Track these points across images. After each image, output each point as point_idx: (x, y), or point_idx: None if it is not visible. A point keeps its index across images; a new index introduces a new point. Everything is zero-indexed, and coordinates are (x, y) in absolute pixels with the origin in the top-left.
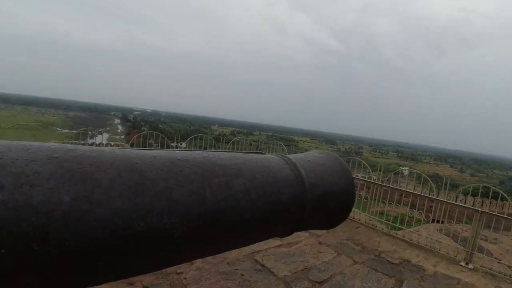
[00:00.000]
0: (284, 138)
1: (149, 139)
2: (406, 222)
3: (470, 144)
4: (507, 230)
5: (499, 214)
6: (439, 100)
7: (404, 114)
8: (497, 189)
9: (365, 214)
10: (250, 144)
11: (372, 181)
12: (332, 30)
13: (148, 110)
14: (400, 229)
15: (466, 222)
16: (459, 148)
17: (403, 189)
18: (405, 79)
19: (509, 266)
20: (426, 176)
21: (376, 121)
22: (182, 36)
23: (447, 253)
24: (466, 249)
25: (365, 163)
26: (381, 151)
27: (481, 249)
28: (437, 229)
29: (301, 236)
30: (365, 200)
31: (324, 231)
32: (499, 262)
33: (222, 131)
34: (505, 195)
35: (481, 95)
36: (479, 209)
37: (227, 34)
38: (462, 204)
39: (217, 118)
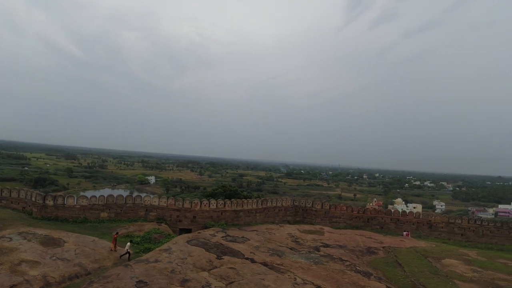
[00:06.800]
0: (13, 156)
1: None
2: (154, 239)
3: (206, 149)
4: (249, 225)
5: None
6: (180, 112)
7: (149, 125)
8: (233, 188)
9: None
10: None
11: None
12: (75, 35)
13: None
14: (148, 249)
15: (212, 225)
16: (198, 154)
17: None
18: (150, 93)
19: None
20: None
21: (122, 133)
22: None
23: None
24: (217, 256)
25: None
26: (126, 162)
27: (233, 252)
28: (186, 241)
29: None
30: (103, 223)
31: None
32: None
33: None
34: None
35: (216, 108)
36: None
37: None
38: (206, 209)
39: None
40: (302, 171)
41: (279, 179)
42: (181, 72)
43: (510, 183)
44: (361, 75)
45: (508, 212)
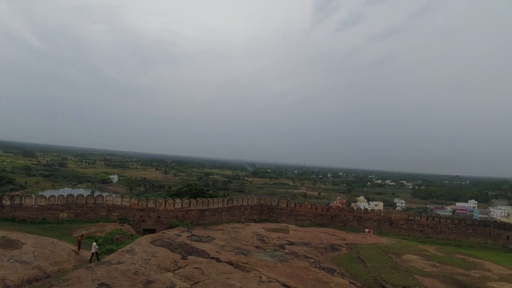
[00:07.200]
0: None
1: None
2: (116, 240)
3: (171, 148)
4: (215, 224)
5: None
6: (145, 109)
7: (112, 122)
8: (199, 187)
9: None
10: None
11: None
12: (36, 26)
13: None
14: (111, 251)
15: (177, 225)
16: (163, 152)
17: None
18: (113, 88)
19: None
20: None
21: (83, 129)
22: None
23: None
24: (181, 257)
25: None
26: (88, 160)
27: (198, 252)
28: (150, 241)
29: None
30: (63, 224)
31: None
32: None
33: None
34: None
35: (182, 105)
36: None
37: None
38: (171, 209)
39: None
40: (268, 170)
41: (246, 178)
42: (147, 68)
43: (467, 182)
44: (328, 76)
45: (465, 210)
